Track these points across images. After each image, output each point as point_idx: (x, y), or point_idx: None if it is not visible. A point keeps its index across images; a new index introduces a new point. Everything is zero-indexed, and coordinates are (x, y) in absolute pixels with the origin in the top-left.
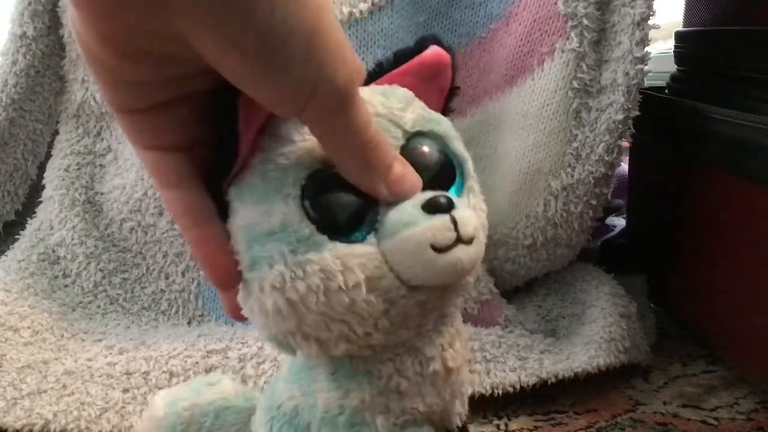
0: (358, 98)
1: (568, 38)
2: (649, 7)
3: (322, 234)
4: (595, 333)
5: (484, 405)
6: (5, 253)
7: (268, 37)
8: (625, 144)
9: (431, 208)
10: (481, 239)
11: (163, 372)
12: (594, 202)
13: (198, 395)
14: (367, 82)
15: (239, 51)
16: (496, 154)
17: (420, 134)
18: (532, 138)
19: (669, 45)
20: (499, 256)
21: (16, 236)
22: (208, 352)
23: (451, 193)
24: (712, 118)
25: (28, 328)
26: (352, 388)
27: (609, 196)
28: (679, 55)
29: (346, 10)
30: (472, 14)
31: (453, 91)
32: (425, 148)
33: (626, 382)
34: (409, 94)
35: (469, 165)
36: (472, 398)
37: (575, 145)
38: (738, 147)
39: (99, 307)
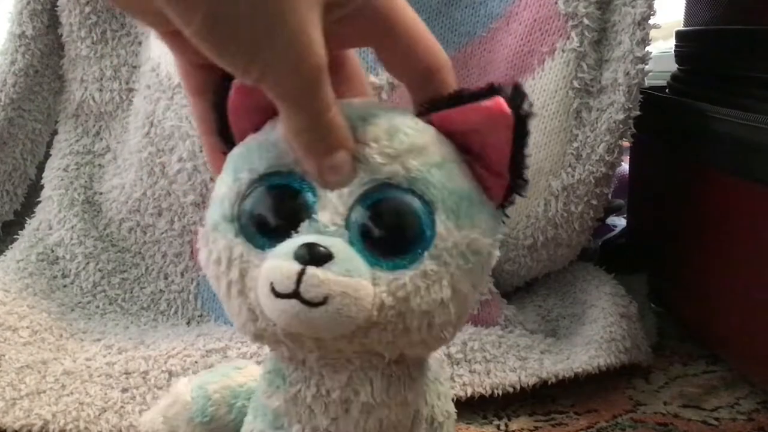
0: (320, 84)
1: (568, 38)
2: (650, 6)
3: (234, 224)
4: (596, 333)
5: (484, 405)
6: (4, 253)
7: (218, 23)
8: (626, 144)
9: (296, 253)
10: (342, 311)
11: (162, 372)
12: (594, 202)
13: (227, 378)
14: (435, 108)
15: (191, 30)
16: None
17: (396, 188)
18: (533, 138)
19: (670, 44)
20: (500, 257)
21: (15, 236)
22: (207, 351)
23: (392, 262)
24: (713, 117)
25: (27, 327)
26: (273, 391)
27: (609, 196)
28: (680, 54)
29: None
30: (472, 14)
31: (519, 159)
32: (387, 202)
33: (627, 383)
34: (430, 138)
35: (445, 244)
36: (472, 398)
37: (576, 144)
38: (738, 147)
39: (98, 307)
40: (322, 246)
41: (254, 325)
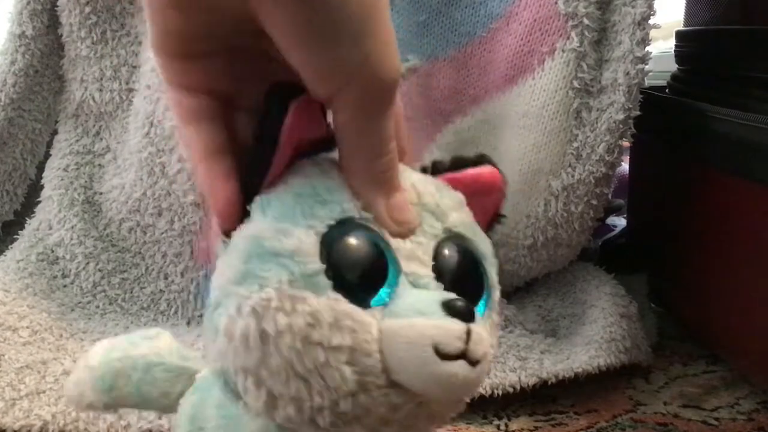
0: (394, 100)
1: (568, 38)
2: (650, 6)
3: (330, 280)
4: (596, 333)
5: (484, 405)
6: (4, 253)
7: (323, 6)
8: (626, 144)
9: (452, 309)
10: (488, 364)
11: None
12: (594, 202)
13: (132, 347)
14: (438, 171)
15: (290, 12)
16: (496, 154)
17: (461, 237)
18: (533, 138)
19: (670, 44)
20: (500, 257)
21: (15, 236)
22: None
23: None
24: (713, 117)
25: (27, 327)
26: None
27: (609, 196)
28: (680, 54)
29: None
30: (472, 14)
31: (498, 217)
32: (463, 252)
33: (627, 383)
34: (461, 197)
35: (497, 295)
36: (472, 398)
37: (576, 144)
38: (738, 147)
39: (98, 307)
40: (467, 303)
41: (345, 403)
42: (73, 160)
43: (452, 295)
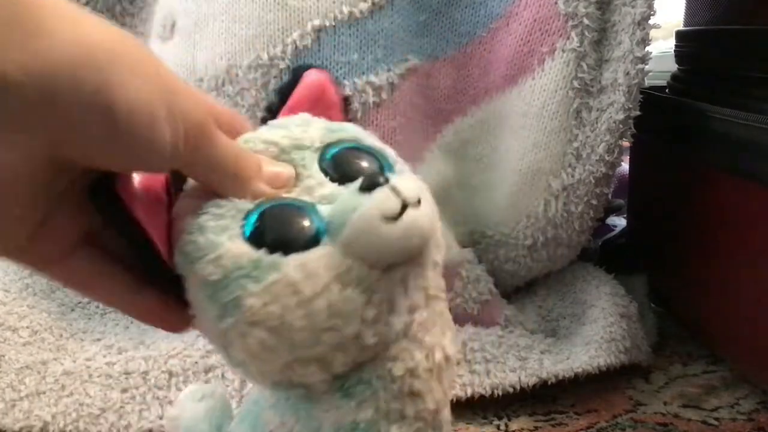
0: (214, 132)
1: (568, 38)
2: (650, 6)
3: (275, 253)
4: (596, 333)
5: (484, 405)
6: None
7: (135, 120)
8: (626, 144)
9: (368, 186)
10: (429, 200)
11: (162, 372)
12: (594, 202)
13: (184, 407)
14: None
15: (112, 144)
16: (496, 154)
17: (330, 145)
18: (533, 138)
19: (670, 44)
20: (500, 256)
21: None
22: (207, 351)
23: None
24: (713, 117)
25: (27, 327)
26: (366, 398)
27: (609, 196)
28: (680, 54)
29: (346, 9)
30: (472, 14)
31: (345, 100)
32: (342, 151)
33: (627, 383)
34: (306, 116)
35: (389, 153)
36: (471, 398)
37: (576, 144)
38: (738, 147)
39: (98, 307)
40: (374, 173)
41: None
42: None
43: (358, 181)
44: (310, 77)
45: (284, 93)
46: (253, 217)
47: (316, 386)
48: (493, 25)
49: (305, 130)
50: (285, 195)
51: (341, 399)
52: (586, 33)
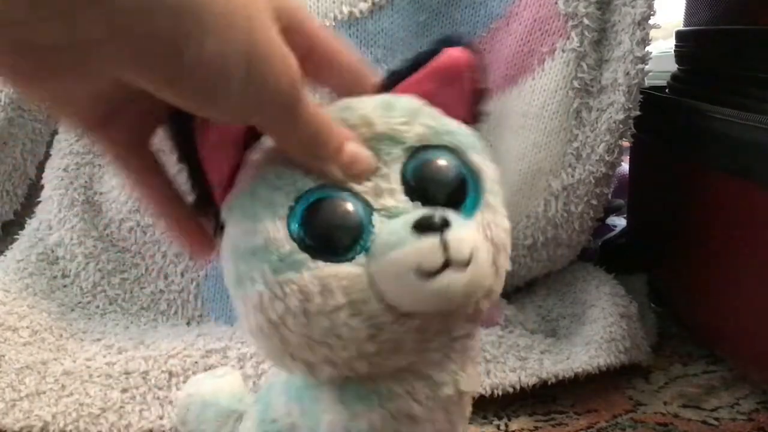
0: (303, 96)
1: (568, 38)
2: (650, 6)
3: (305, 253)
4: (596, 333)
5: (484, 405)
6: (4, 253)
7: (204, 73)
8: (626, 144)
9: (420, 227)
10: (482, 262)
11: (162, 372)
12: (594, 202)
13: (201, 384)
14: (381, 91)
15: (176, 90)
16: (496, 154)
17: (428, 148)
18: (533, 138)
19: (670, 44)
20: None
21: (15, 236)
22: (207, 351)
23: (464, 210)
24: (712, 117)
25: (27, 328)
26: (360, 411)
27: (609, 196)
28: (680, 54)
29: (346, 9)
30: (472, 14)
31: (480, 92)
32: (432, 162)
33: (627, 383)
34: (416, 104)
35: (488, 177)
36: (471, 398)
37: (576, 144)
38: (738, 147)
39: (98, 307)
40: (435, 214)
41: (369, 346)
42: (73, 160)
43: (420, 213)
44: (446, 56)
45: (420, 61)
46: (304, 205)
47: (317, 377)
48: (493, 25)
49: (408, 121)
50: (353, 186)
51: (338, 404)
52: (586, 33)
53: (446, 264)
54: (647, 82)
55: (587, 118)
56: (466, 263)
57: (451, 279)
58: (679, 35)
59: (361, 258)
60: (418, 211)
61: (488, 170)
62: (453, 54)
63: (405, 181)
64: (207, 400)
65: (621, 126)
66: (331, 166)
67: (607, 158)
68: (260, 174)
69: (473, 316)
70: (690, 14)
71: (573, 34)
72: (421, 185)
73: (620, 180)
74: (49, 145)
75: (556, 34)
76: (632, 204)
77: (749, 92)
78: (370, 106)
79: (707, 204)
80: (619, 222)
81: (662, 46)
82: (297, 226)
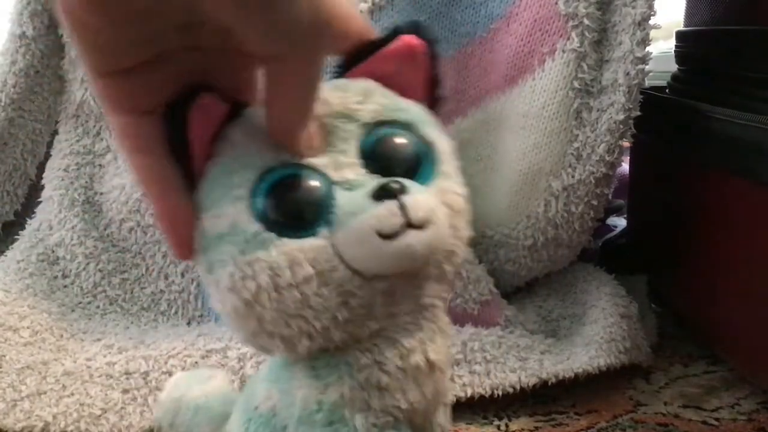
0: (313, 59)
1: (568, 38)
2: (650, 6)
3: (271, 232)
4: (596, 333)
5: (484, 405)
6: (4, 254)
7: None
8: (626, 144)
9: (378, 194)
10: (441, 223)
11: (163, 372)
12: (595, 202)
13: (189, 388)
14: (338, 76)
15: None
16: (496, 154)
17: (383, 124)
18: (533, 138)
19: (670, 45)
20: (500, 257)
21: (16, 236)
22: (207, 351)
23: (419, 179)
24: (713, 118)
25: (28, 328)
26: (331, 382)
27: (610, 197)
28: (680, 54)
29: None
30: (472, 14)
31: (436, 78)
32: (388, 137)
33: (627, 383)
34: (371, 84)
35: (441, 148)
36: (471, 399)
37: (576, 145)
38: (738, 147)
39: (98, 307)
40: (392, 181)
41: (342, 313)
42: (73, 160)
43: (376, 182)
44: (407, 39)
45: (375, 46)
46: (268, 183)
47: (295, 351)
48: (493, 26)
49: (363, 100)
50: (314, 160)
51: (311, 378)
52: (587, 33)
53: (406, 226)
54: (647, 83)
55: (587, 119)
56: (425, 224)
57: (411, 238)
58: (679, 35)
59: (324, 231)
60: (376, 181)
61: (441, 142)
62: (407, 39)
63: (364, 156)
64: (199, 405)
65: (621, 126)
66: (299, 139)
67: (607, 158)
68: (219, 160)
69: (438, 279)
70: (690, 14)
71: (573, 34)
72: (379, 158)
73: (620, 180)
74: (50, 145)
75: (557, 35)
76: (632, 204)
77: (749, 92)
78: (326, 89)
79: (707, 204)
80: (620, 222)
81: (662, 46)
82: (262, 205)
